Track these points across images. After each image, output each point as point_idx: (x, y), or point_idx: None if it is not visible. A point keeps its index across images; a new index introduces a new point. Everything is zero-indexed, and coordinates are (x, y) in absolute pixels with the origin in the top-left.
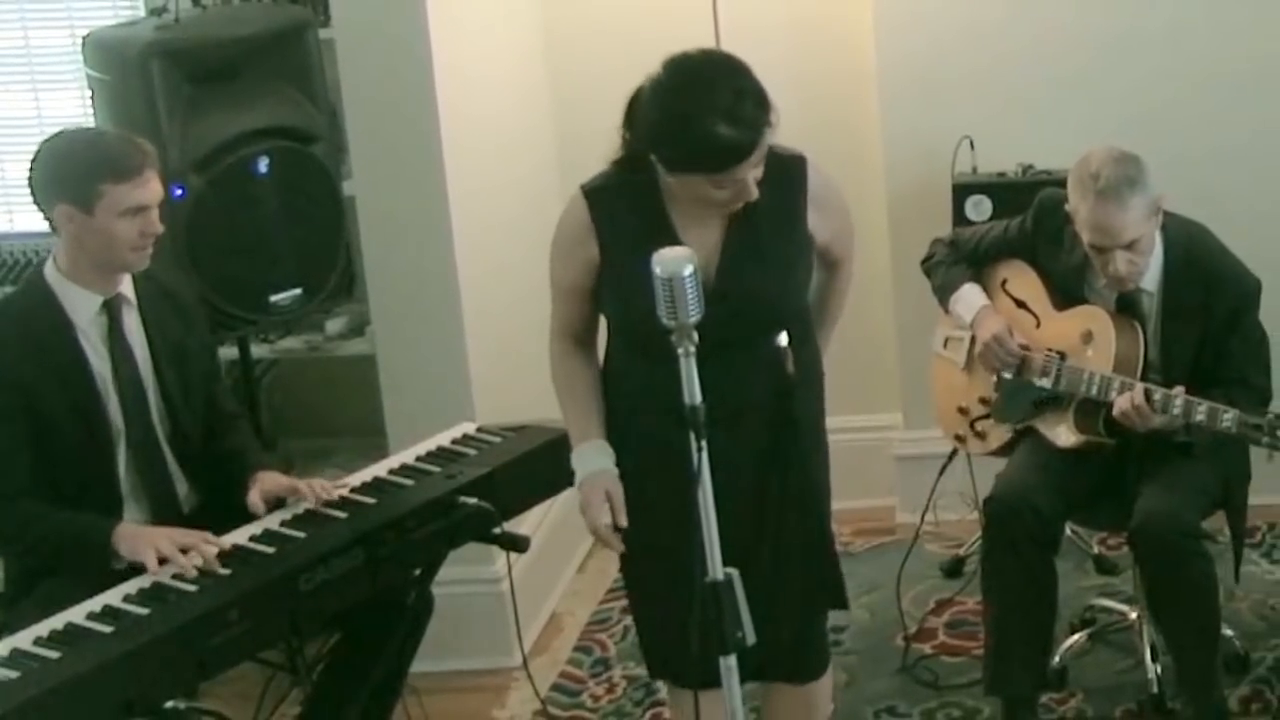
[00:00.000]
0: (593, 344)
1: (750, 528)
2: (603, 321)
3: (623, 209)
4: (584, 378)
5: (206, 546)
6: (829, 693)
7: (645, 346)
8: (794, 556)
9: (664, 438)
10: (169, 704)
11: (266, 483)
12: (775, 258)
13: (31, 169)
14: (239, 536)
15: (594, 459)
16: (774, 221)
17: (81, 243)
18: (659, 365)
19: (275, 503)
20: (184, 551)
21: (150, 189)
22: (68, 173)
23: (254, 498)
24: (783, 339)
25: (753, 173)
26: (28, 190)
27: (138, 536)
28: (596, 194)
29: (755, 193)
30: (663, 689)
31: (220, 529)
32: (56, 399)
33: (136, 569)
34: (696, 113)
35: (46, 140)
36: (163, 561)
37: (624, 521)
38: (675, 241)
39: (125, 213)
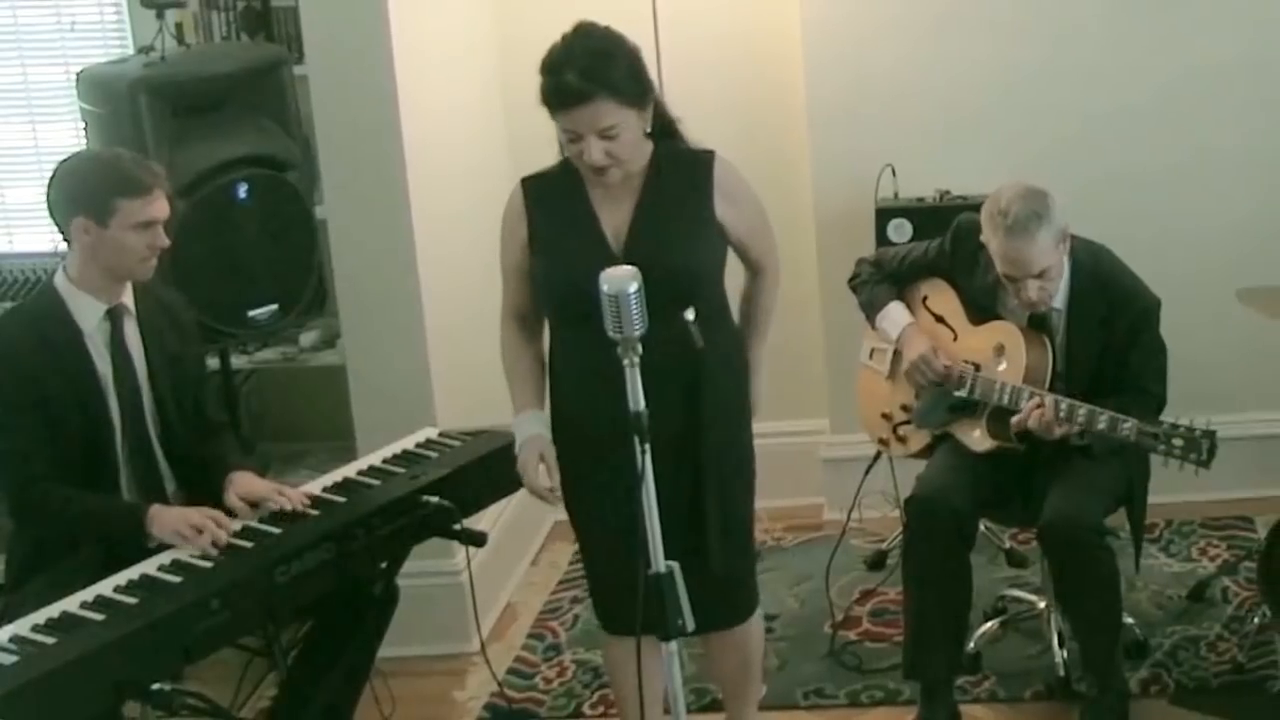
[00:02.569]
0: (538, 327)
1: (667, 489)
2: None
3: (552, 194)
4: (525, 354)
5: (219, 531)
6: (760, 632)
7: (566, 313)
8: (711, 511)
9: (586, 407)
10: (155, 686)
11: (240, 485)
12: (679, 234)
13: (50, 185)
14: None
15: (529, 426)
16: (680, 204)
17: (95, 253)
18: (583, 333)
19: (250, 505)
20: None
21: (159, 206)
22: (86, 188)
23: (232, 499)
24: (689, 313)
25: (599, 140)
26: (31, 211)
27: (165, 518)
28: (531, 182)
29: (600, 159)
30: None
31: None
32: (65, 396)
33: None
34: (553, 55)
35: (64, 160)
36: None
37: (556, 481)
38: (592, 219)
39: (136, 226)
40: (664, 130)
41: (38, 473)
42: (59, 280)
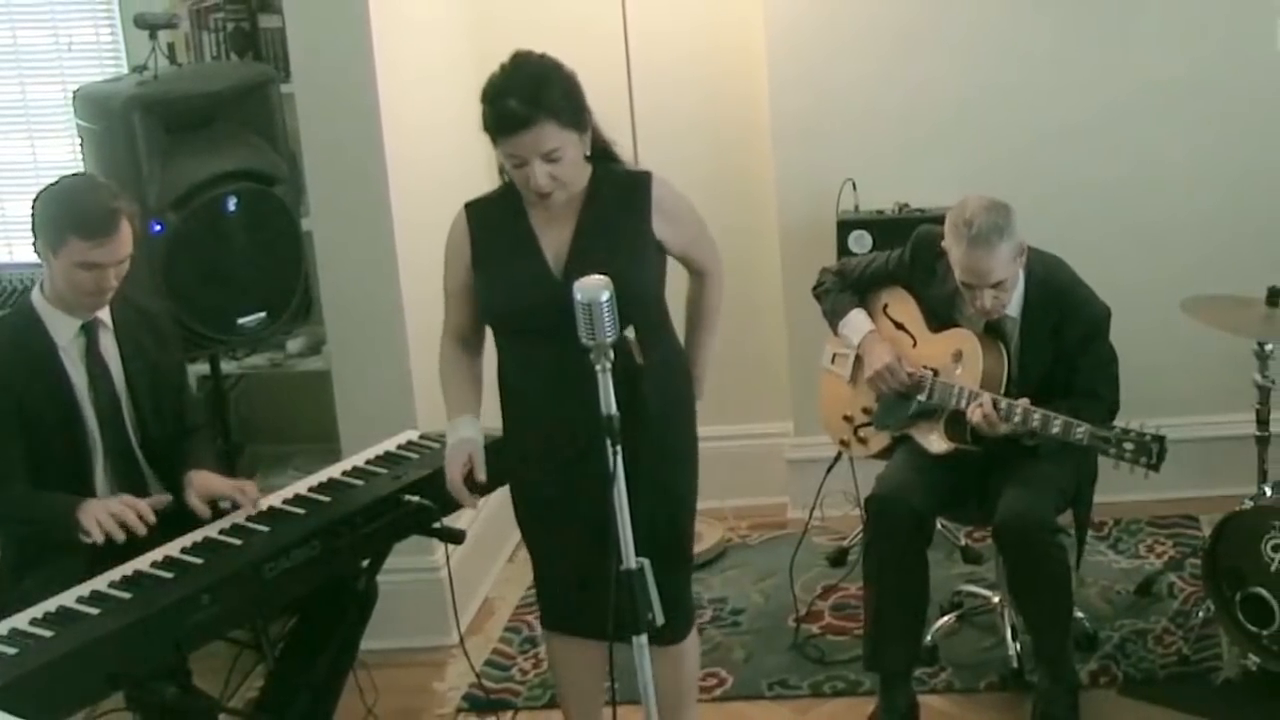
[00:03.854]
0: (477, 345)
1: (599, 498)
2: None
3: (494, 217)
4: (461, 367)
5: (136, 521)
6: (696, 652)
7: (509, 328)
8: (643, 526)
9: (542, 410)
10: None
11: (199, 486)
12: (617, 255)
13: (34, 200)
14: (211, 530)
15: (461, 429)
16: (619, 226)
17: (52, 276)
18: (529, 344)
19: (213, 504)
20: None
21: (109, 251)
22: (47, 217)
23: (192, 500)
24: (629, 331)
25: (543, 164)
26: (29, 223)
27: (88, 511)
28: (474, 206)
29: (544, 183)
30: None
31: (187, 526)
32: (42, 409)
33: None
34: (493, 83)
35: (53, 182)
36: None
37: (483, 477)
38: (532, 241)
39: (83, 265)
40: (601, 153)
41: (9, 475)
42: (35, 296)
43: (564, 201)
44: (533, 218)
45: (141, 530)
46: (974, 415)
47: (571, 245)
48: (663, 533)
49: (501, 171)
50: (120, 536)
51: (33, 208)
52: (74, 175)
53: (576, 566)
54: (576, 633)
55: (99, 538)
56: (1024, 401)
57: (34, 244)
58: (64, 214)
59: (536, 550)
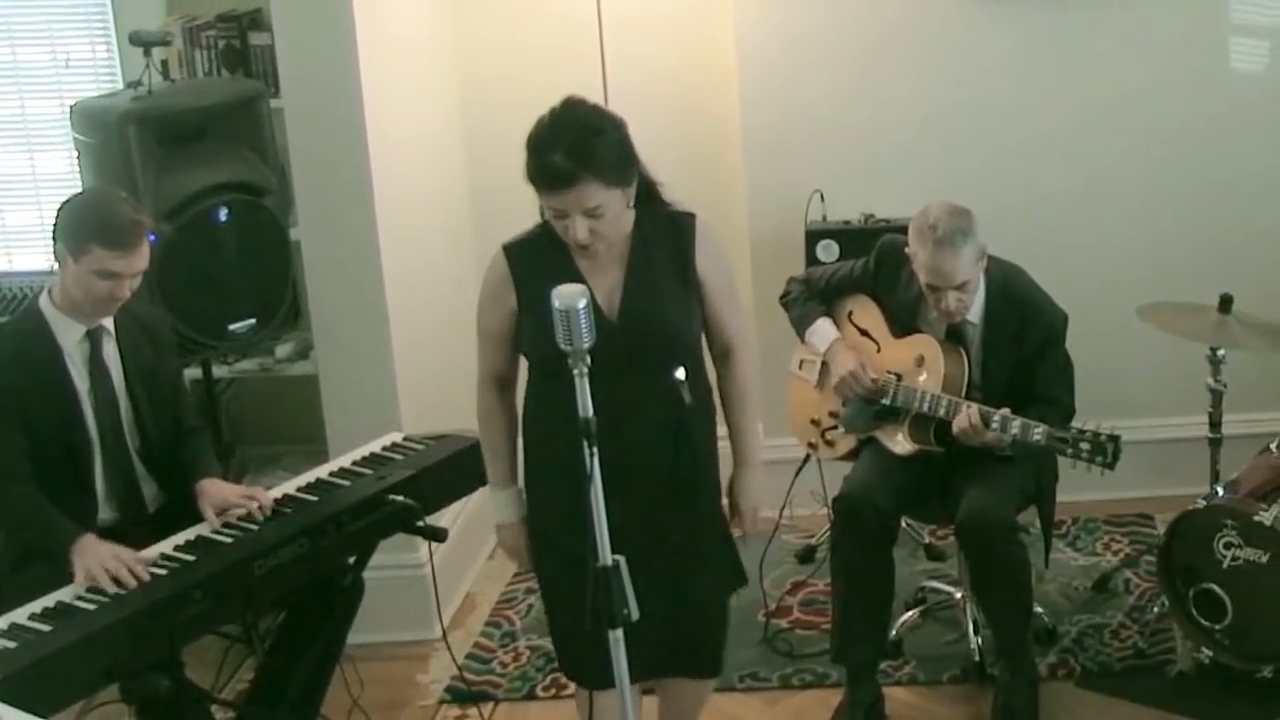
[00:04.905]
0: (512, 388)
1: (649, 536)
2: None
3: (537, 261)
4: (501, 423)
5: (128, 577)
6: (710, 696)
7: (556, 373)
8: (693, 560)
9: (572, 453)
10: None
11: (214, 497)
12: (668, 297)
13: (60, 206)
14: (203, 529)
15: (508, 511)
16: (667, 268)
17: (65, 281)
18: (568, 390)
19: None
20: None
21: (129, 262)
22: (73, 223)
23: (206, 511)
24: (680, 372)
25: (584, 219)
26: (29, 232)
27: (85, 554)
28: (514, 249)
29: (585, 238)
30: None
31: (180, 524)
32: (43, 411)
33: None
34: (539, 133)
35: (81, 190)
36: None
37: (526, 568)
38: (582, 285)
39: (101, 273)
40: (645, 195)
41: (9, 474)
42: (43, 301)
43: (604, 250)
44: (579, 262)
45: (131, 583)
46: (958, 424)
47: (624, 288)
48: (721, 568)
49: (542, 213)
50: (111, 588)
51: (58, 213)
52: (100, 187)
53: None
54: (595, 684)
55: (81, 581)
56: (1004, 410)
57: (54, 248)
58: (90, 222)
59: (560, 606)
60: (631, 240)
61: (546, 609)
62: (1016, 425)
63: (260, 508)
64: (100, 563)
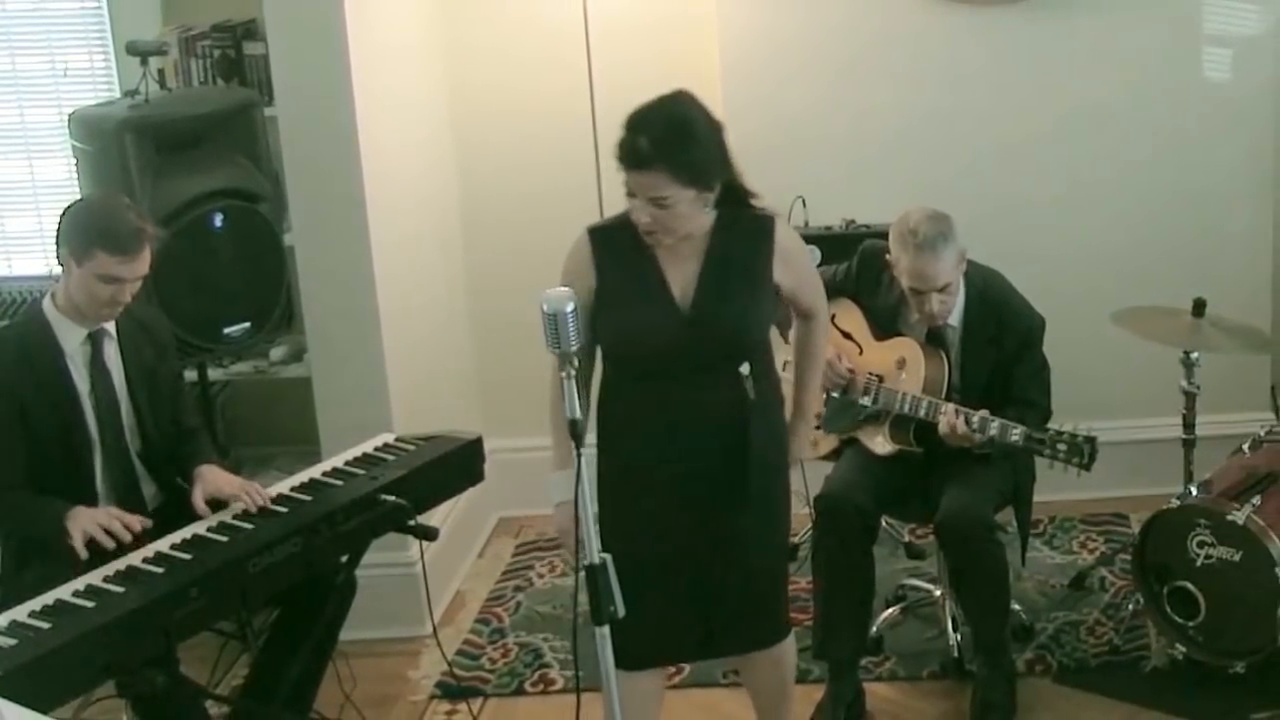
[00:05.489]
0: (589, 373)
1: (709, 522)
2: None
3: (619, 249)
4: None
5: (123, 531)
6: (794, 652)
7: (629, 366)
8: (752, 543)
9: (645, 453)
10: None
11: (209, 484)
12: (741, 295)
13: (64, 211)
14: (199, 528)
15: (566, 489)
16: (743, 267)
17: (68, 285)
18: (641, 384)
19: (215, 503)
20: (110, 533)
21: (131, 268)
22: (77, 228)
23: (197, 499)
24: (745, 368)
25: (649, 205)
26: (28, 238)
27: (78, 519)
28: (597, 234)
29: (646, 222)
30: (548, 655)
31: (181, 523)
32: (44, 411)
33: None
34: (638, 112)
35: (85, 195)
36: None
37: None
38: (660, 277)
39: (104, 278)
40: (735, 198)
41: (10, 481)
42: (46, 304)
43: (674, 243)
44: (660, 256)
45: (126, 536)
46: (942, 426)
47: (699, 282)
48: (768, 547)
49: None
50: (108, 543)
51: (61, 218)
52: (104, 193)
53: (655, 605)
54: (651, 664)
55: (80, 545)
56: (983, 412)
57: (57, 252)
58: (94, 227)
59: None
60: (710, 238)
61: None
62: (995, 426)
63: (256, 502)
64: (95, 521)
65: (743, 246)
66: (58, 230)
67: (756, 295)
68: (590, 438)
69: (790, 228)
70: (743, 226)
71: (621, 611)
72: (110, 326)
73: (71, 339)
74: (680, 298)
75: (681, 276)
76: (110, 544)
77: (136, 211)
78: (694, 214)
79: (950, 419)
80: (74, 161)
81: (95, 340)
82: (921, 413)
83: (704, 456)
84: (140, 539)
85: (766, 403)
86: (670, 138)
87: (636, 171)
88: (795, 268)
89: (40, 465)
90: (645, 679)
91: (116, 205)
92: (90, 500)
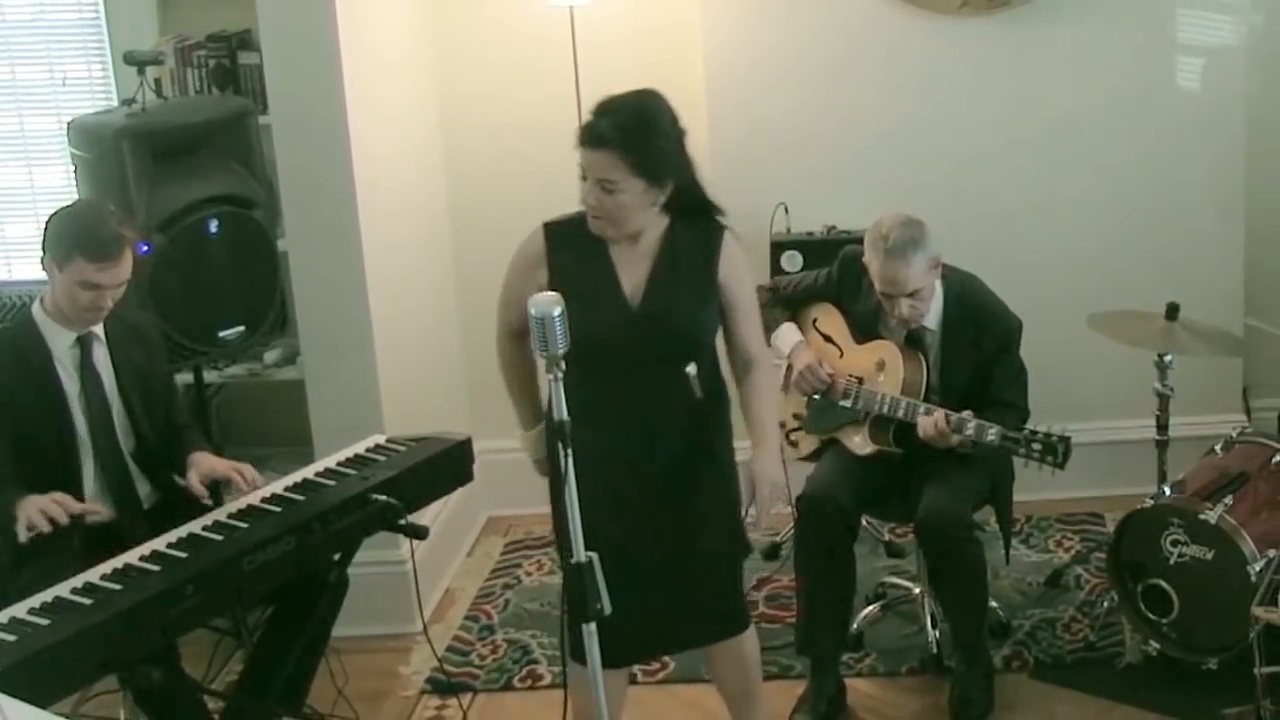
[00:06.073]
0: (527, 340)
1: (656, 516)
2: None
3: (574, 245)
4: (524, 369)
5: (59, 511)
6: (756, 644)
7: (579, 361)
8: (705, 538)
9: (601, 445)
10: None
11: (202, 466)
12: (690, 295)
13: (49, 218)
14: (194, 527)
15: (538, 446)
16: (692, 268)
17: (54, 290)
18: (591, 379)
19: (211, 485)
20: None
21: (111, 275)
22: (58, 235)
23: (193, 479)
24: (691, 368)
25: (597, 187)
26: (27, 243)
27: (25, 506)
28: (552, 229)
29: (590, 203)
30: (536, 651)
31: (175, 521)
32: (34, 413)
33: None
34: (609, 98)
35: (68, 204)
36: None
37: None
38: (613, 274)
39: (83, 284)
40: (698, 209)
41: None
42: (35, 308)
43: (613, 236)
44: (613, 252)
45: (64, 519)
46: (926, 429)
47: (649, 280)
48: (720, 542)
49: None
50: (44, 526)
51: (46, 225)
52: (88, 200)
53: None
54: (610, 662)
55: (23, 531)
56: (969, 413)
57: (41, 259)
58: (74, 235)
59: None
60: (664, 240)
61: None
62: (971, 426)
63: (247, 480)
64: (37, 506)
65: (693, 250)
66: (42, 237)
67: (705, 297)
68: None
69: (739, 246)
70: (696, 232)
71: (608, 609)
72: (99, 330)
73: (60, 342)
74: (631, 294)
75: (633, 274)
76: (46, 527)
77: (119, 218)
78: (640, 207)
79: (932, 422)
80: (73, 168)
81: (84, 343)
82: (900, 414)
83: (652, 452)
84: (135, 538)
85: (713, 402)
86: (631, 124)
87: (591, 149)
88: (738, 279)
89: (30, 466)
90: (608, 676)
91: (98, 212)
92: (78, 500)
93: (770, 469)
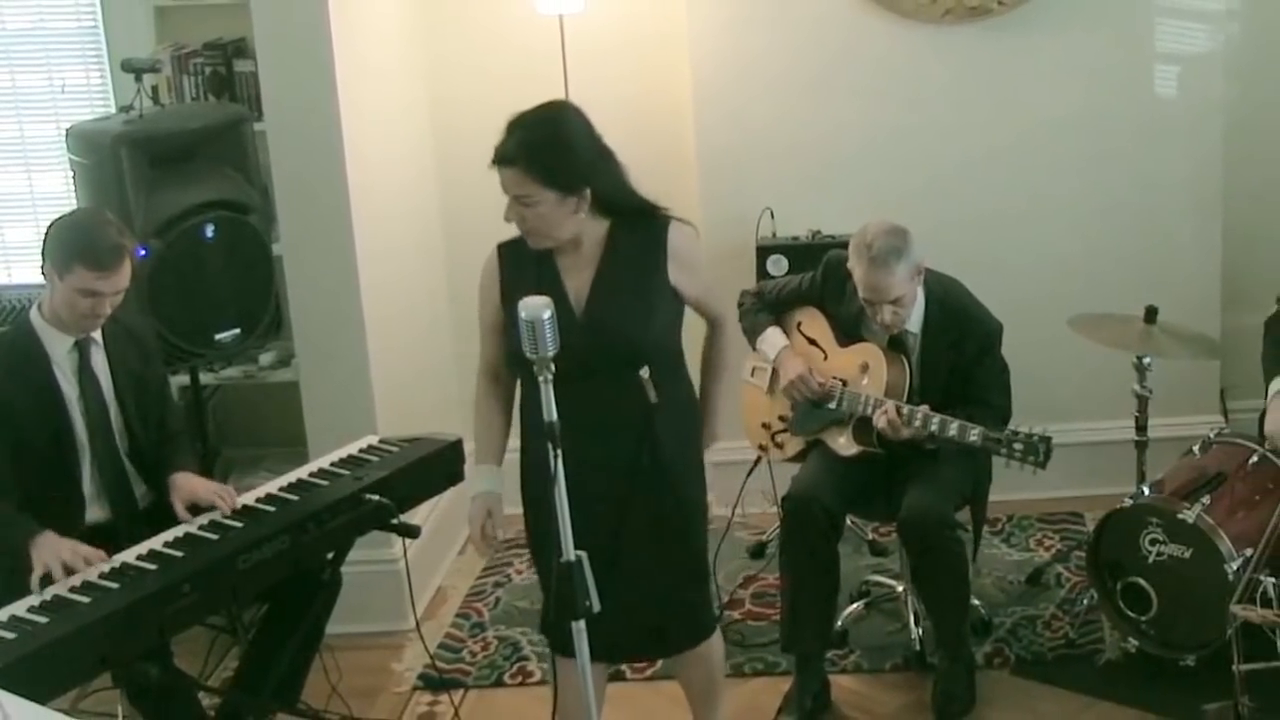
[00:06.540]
0: (510, 382)
1: (617, 526)
2: None
3: (523, 260)
4: (491, 409)
5: (87, 566)
6: (721, 648)
7: (528, 367)
8: (664, 544)
9: (542, 450)
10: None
11: (183, 491)
12: (634, 299)
13: (49, 226)
14: (190, 527)
15: (482, 481)
16: (635, 273)
17: (53, 297)
18: (534, 390)
19: (194, 508)
20: (70, 570)
21: (110, 283)
22: (59, 243)
23: (177, 506)
24: (644, 372)
25: (514, 203)
26: (27, 248)
27: (42, 549)
28: (505, 248)
29: (513, 219)
30: (527, 648)
31: (171, 521)
32: (32, 417)
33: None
34: (517, 115)
35: (69, 213)
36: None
37: (500, 535)
38: (557, 283)
39: (83, 292)
40: (631, 210)
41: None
42: (33, 314)
43: (546, 245)
44: (559, 262)
45: (83, 570)
46: (879, 421)
47: (591, 289)
48: (679, 550)
49: None
50: (60, 575)
51: (46, 233)
52: (88, 209)
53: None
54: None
55: (37, 578)
56: (924, 408)
57: (42, 266)
58: (75, 244)
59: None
60: (604, 245)
61: (542, 587)
62: (955, 427)
63: (228, 505)
64: (57, 556)
65: (636, 251)
66: (42, 245)
67: (650, 299)
68: (515, 442)
69: (688, 231)
70: (639, 235)
71: (597, 606)
72: (97, 334)
73: (58, 347)
74: (575, 304)
75: (577, 284)
76: (62, 576)
77: (118, 227)
78: (561, 217)
79: (883, 415)
80: (71, 174)
81: (82, 348)
82: (869, 412)
83: (612, 460)
84: (132, 538)
85: (674, 405)
86: (535, 139)
87: (501, 167)
88: (688, 269)
89: (29, 469)
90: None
91: (98, 222)
92: (77, 501)
93: (711, 438)
